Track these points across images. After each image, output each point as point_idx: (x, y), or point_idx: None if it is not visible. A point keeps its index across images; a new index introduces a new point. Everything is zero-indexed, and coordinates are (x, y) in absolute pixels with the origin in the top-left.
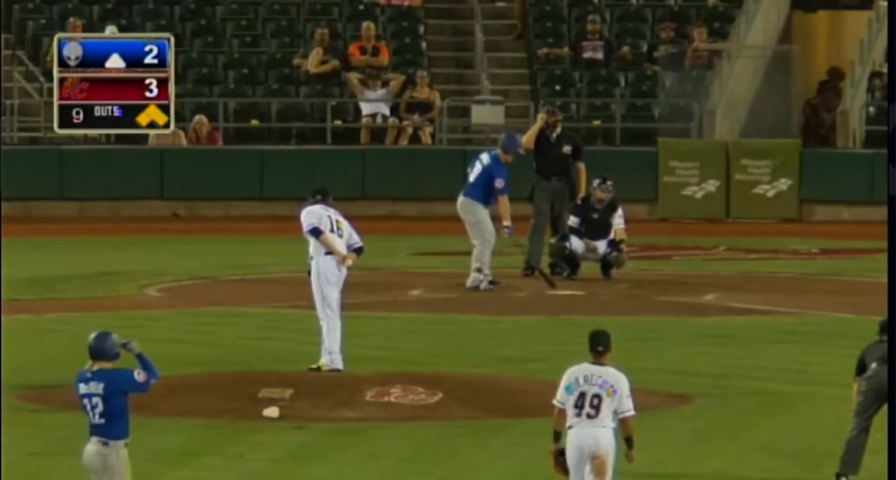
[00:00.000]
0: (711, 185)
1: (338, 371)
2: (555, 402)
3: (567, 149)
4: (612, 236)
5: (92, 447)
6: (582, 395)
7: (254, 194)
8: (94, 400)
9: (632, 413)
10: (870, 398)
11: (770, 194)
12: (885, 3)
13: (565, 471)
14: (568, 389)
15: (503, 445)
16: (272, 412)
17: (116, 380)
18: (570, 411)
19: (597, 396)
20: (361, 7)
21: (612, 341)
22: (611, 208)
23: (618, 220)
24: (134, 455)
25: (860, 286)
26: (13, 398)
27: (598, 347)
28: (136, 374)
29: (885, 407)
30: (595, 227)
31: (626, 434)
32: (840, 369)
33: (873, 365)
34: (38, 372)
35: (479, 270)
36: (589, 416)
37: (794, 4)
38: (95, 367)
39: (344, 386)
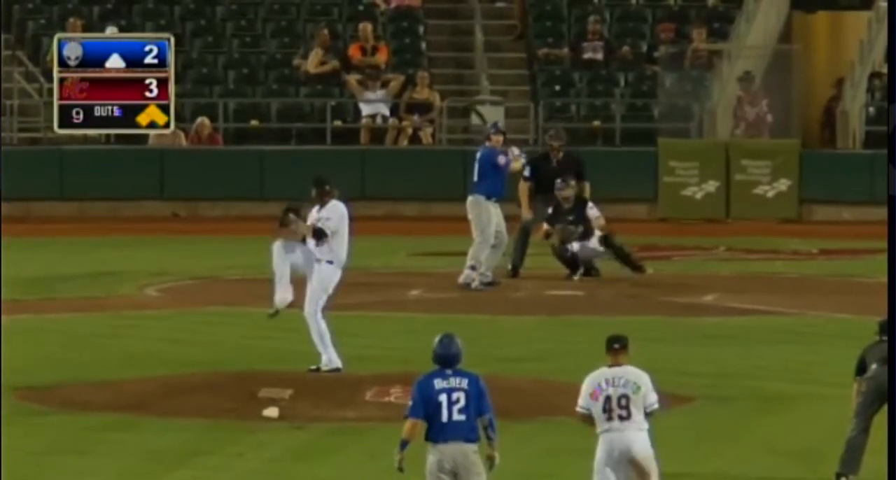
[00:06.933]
0: (711, 185)
1: (338, 370)
2: (578, 410)
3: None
4: (595, 233)
5: (455, 447)
6: (608, 399)
7: (254, 194)
8: (456, 394)
9: (656, 406)
10: (870, 398)
11: (770, 194)
12: (885, 4)
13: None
14: (593, 395)
15: (502, 445)
16: (272, 412)
17: (479, 381)
18: (600, 416)
19: (624, 396)
20: (361, 7)
21: (629, 342)
22: (581, 205)
23: (591, 213)
24: (134, 454)
25: (860, 286)
26: (13, 398)
27: (615, 345)
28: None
29: (885, 408)
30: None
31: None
32: (840, 369)
33: (874, 366)
34: (38, 372)
35: (472, 268)
36: (621, 418)
37: (794, 5)
38: (450, 370)
39: (344, 386)
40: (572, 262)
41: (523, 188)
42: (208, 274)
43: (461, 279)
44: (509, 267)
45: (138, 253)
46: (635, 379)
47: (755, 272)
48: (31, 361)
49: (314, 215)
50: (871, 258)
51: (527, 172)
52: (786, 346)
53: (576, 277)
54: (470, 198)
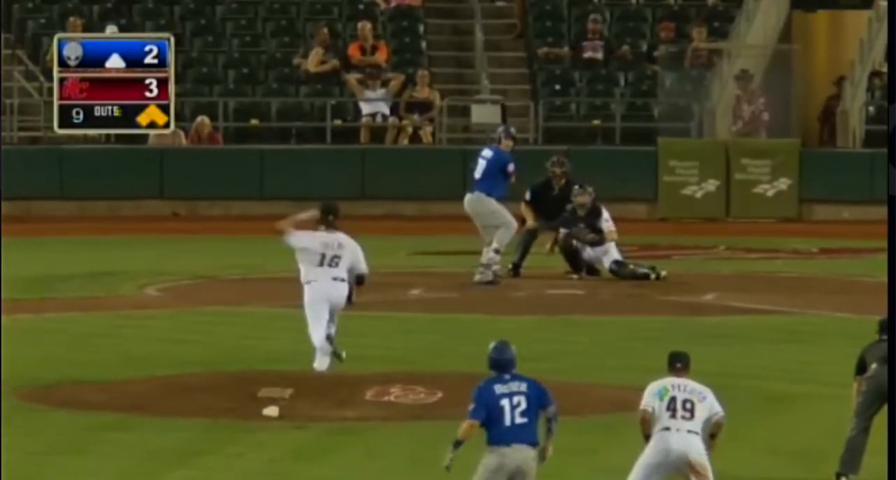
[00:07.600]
0: (711, 185)
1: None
2: (642, 408)
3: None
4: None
5: (520, 451)
6: (673, 399)
7: (254, 194)
8: (517, 399)
9: (722, 414)
10: (870, 398)
11: (770, 193)
12: (885, 3)
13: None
14: (659, 394)
15: None
16: (272, 411)
17: (539, 385)
18: (663, 414)
19: (689, 400)
20: (361, 6)
21: (690, 360)
22: (595, 213)
23: (605, 224)
24: (134, 454)
25: (860, 285)
26: (13, 397)
27: (677, 364)
28: None
29: (885, 407)
30: None
31: (713, 431)
32: (840, 369)
33: (873, 365)
34: (38, 372)
35: (497, 251)
36: (684, 418)
37: (794, 4)
38: (508, 375)
39: (344, 386)
40: (576, 260)
41: (525, 207)
42: (208, 274)
43: (484, 259)
44: (510, 266)
45: (138, 253)
46: (700, 389)
47: (755, 271)
48: (31, 361)
49: (318, 236)
50: (871, 257)
51: (528, 196)
52: (786, 346)
53: (576, 277)
54: (471, 196)
